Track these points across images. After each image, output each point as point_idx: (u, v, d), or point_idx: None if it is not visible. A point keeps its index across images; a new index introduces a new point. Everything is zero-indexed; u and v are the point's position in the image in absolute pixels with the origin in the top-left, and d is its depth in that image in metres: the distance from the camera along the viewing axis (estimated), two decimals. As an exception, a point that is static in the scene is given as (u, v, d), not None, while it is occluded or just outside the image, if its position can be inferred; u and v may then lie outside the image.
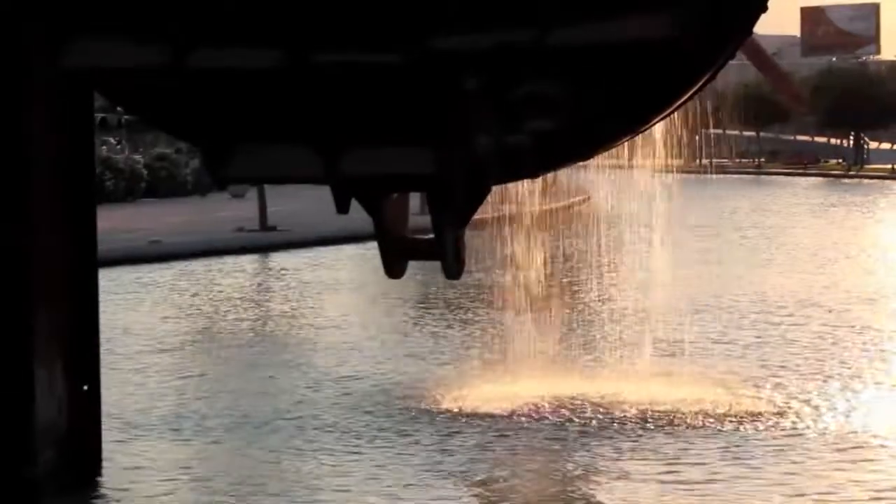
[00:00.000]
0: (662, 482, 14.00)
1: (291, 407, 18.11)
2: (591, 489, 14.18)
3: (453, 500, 13.72)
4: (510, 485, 14.21)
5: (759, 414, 17.08)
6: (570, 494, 14.01)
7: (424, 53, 10.18)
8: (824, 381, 19.38)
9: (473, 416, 16.94)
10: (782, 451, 15.30)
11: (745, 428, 16.37)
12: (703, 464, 14.67)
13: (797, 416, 17.05)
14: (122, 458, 14.71)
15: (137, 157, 60.25)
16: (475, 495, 13.97)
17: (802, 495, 13.54)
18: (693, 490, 13.68)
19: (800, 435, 16.05)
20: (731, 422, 16.63)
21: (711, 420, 16.66)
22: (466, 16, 10.07)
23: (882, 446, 15.26)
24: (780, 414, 17.18)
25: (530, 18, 9.98)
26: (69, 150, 13.48)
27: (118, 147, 60.57)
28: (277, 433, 16.60)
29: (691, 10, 9.90)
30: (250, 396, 19.07)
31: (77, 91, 13.06)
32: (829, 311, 27.22)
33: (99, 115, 33.28)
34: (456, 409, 17.30)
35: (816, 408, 17.55)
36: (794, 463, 14.77)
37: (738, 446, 15.39)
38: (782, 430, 16.34)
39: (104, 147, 55.68)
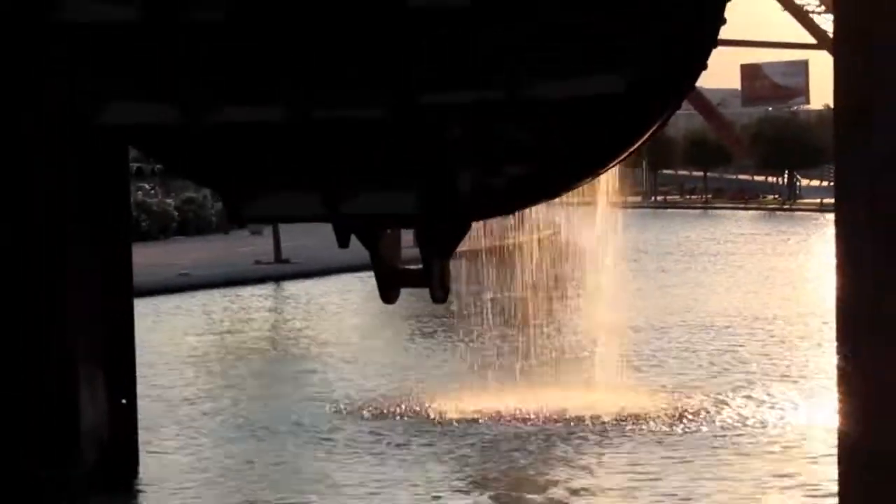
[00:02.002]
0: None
1: (300, 413, 18.05)
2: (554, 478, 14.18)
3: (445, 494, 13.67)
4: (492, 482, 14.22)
5: (709, 415, 17.12)
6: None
7: (413, 108, 10.14)
8: (771, 384, 19.40)
9: (455, 421, 16.93)
10: (716, 449, 15.36)
11: (692, 427, 16.40)
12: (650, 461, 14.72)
13: (737, 416, 17.06)
14: (154, 460, 14.63)
15: (169, 200, 60.28)
16: (456, 490, 13.91)
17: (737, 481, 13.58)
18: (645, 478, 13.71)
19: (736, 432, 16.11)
20: (680, 423, 16.66)
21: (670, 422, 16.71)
22: (451, 75, 10.04)
23: (806, 442, 15.21)
24: (720, 414, 17.27)
25: (503, 78, 9.96)
26: (108, 195, 13.46)
27: (152, 192, 60.57)
28: (289, 436, 16.58)
29: (641, 70, 9.87)
30: (264, 404, 19.10)
31: (114, 145, 13.02)
32: (769, 324, 27.21)
33: (135, 165, 33.28)
34: (440, 416, 17.27)
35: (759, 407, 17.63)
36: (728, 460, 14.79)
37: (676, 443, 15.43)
38: (721, 428, 16.37)
39: (140, 192, 55.71)
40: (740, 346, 24.59)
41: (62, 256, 12.90)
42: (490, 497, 13.69)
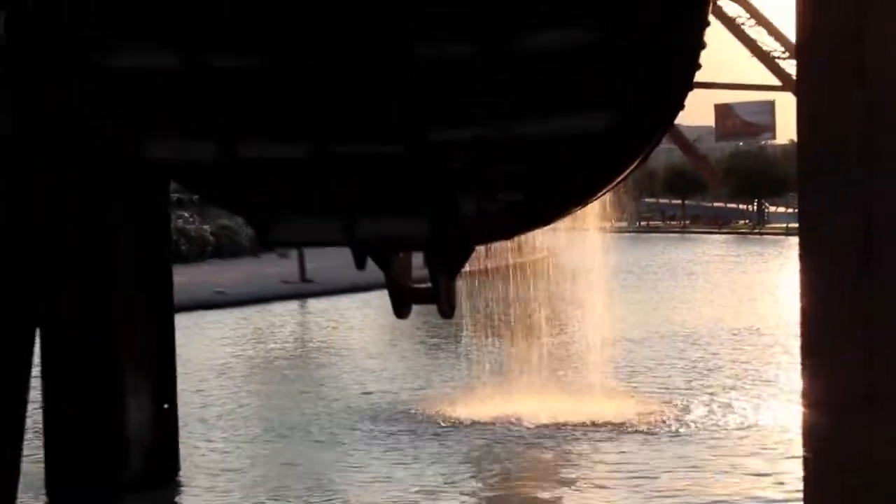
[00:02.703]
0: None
1: (321, 415, 18.09)
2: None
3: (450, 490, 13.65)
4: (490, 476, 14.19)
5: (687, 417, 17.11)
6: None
7: (422, 143, 10.16)
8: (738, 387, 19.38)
9: (460, 424, 16.92)
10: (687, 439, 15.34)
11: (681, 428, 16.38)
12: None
13: (716, 417, 17.03)
14: (193, 460, 14.63)
15: (205, 226, 60.35)
16: (460, 485, 13.89)
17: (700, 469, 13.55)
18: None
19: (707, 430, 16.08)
20: (664, 424, 16.63)
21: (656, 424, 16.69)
22: (454, 115, 10.05)
23: (778, 439, 15.13)
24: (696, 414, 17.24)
25: (501, 117, 9.97)
26: (151, 223, 13.49)
27: (190, 219, 60.63)
28: (310, 435, 16.58)
29: (626, 110, 9.88)
30: (290, 407, 19.07)
31: (156, 178, 13.05)
32: (743, 335, 27.18)
33: (175, 196, 33.34)
34: (447, 419, 17.26)
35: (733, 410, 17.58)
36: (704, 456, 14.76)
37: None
38: (700, 427, 16.34)
39: (179, 219, 55.76)
40: (717, 354, 24.57)
41: (111, 279, 12.92)
42: (492, 490, 13.69)
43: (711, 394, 19.25)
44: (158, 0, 9.77)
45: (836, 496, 9.31)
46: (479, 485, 13.85)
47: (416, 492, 13.38)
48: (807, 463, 9.41)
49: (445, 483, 13.77)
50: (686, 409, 17.71)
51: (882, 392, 9.33)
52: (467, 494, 13.41)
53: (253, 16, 9.68)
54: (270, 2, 9.57)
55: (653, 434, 15.92)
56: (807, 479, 9.43)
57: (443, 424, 16.89)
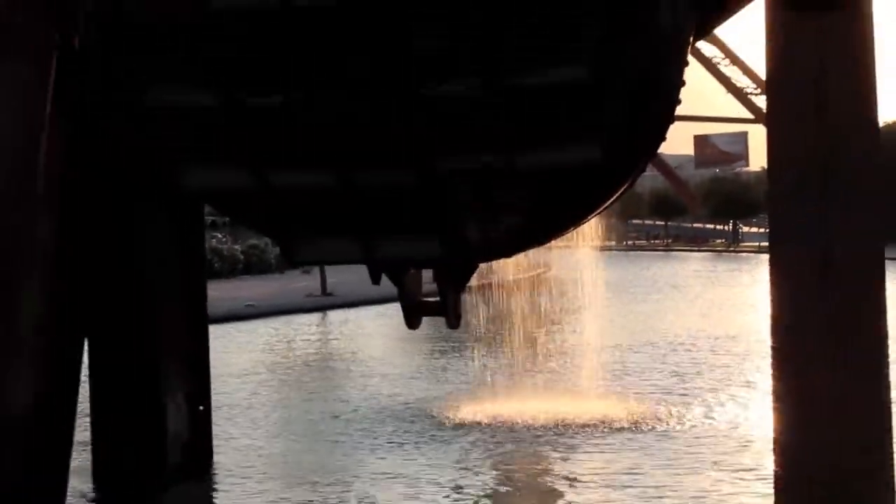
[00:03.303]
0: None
1: (339, 415, 18.09)
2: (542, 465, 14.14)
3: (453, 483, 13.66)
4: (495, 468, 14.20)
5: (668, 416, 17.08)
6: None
7: (433, 173, 10.19)
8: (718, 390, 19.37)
9: (467, 423, 16.90)
10: (675, 437, 15.29)
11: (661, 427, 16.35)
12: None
13: (699, 415, 17.01)
14: (224, 455, 14.65)
15: (236, 246, 60.41)
16: (464, 479, 13.88)
17: (687, 465, 13.47)
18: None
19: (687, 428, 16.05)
20: (653, 421, 16.64)
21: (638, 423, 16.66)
22: (460, 147, 10.08)
23: (755, 436, 15.02)
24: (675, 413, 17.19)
25: (503, 149, 10.01)
26: (188, 243, 13.55)
27: (223, 240, 60.69)
28: (329, 433, 16.59)
29: (614, 141, 9.91)
30: (312, 407, 19.09)
31: (193, 203, 13.10)
32: (722, 342, 27.10)
33: (209, 218, 33.44)
34: (453, 419, 17.24)
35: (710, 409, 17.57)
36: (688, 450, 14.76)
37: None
38: (684, 425, 16.32)
39: (213, 240, 55.79)
40: (699, 359, 24.51)
41: (154, 293, 12.97)
42: (493, 484, 13.67)
43: (696, 395, 19.20)
44: (197, 46, 9.79)
45: (803, 484, 9.34)
46: (481, 479, 13.78)
47: (424, 485, 13.37)
48: (777, 477, 9.43)
49: (449, 478, 13.74)
50: (673, 409, 17.64)
51: (851, 399, 9.37)
52: (469, 487, 13.36)
53: (282, 60, 9.72)
54: (298, 49, 9.60)
55: (642, 432, 15.87)
56: (777, 493, 9.43)
57: (449, 424, 16.87)
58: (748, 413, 17.11)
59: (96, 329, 12.57)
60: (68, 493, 11.62)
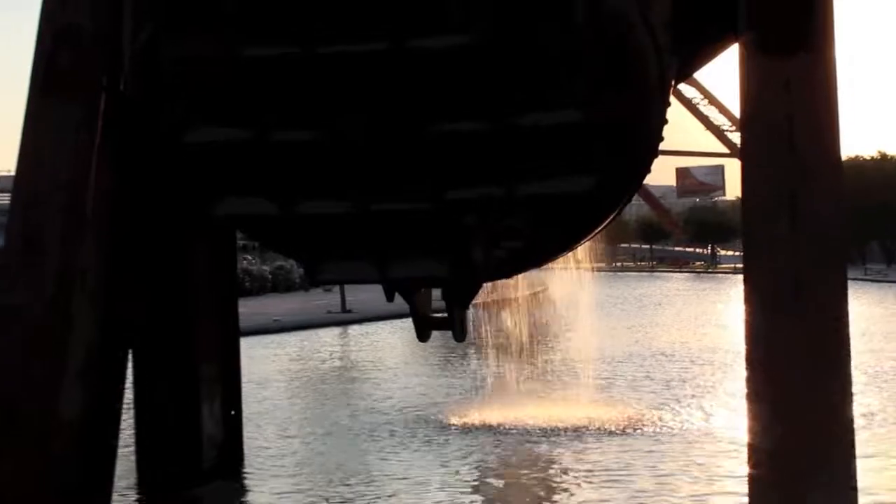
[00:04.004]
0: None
1: (355, 419, 18.08)
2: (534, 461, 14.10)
3: (464, 479, 13.61)
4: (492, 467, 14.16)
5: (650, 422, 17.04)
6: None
7: (441, 202, 10.19)
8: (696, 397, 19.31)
9: (471, 426, 16.88)
10: (662, 441, 15.23)
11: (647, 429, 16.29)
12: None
13: (683, 420, 16.97)
14: (254, 454, 14.63)
15: (265, 267, 60.53)
16: (469, 474, 13.85)
17: (675, 468, 13.40)
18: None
19: (676, 433, 15.98)
20: (641, 425, 16.60)
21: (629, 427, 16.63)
22: (466, 178, 10.08)
23: (735, 438, 15.00)
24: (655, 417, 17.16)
25: (505, 180, 10.01)
26: (222, 265, 13.57)
27: (253, 261, 60.82)
28: (347, 435, 16.57)
29: (604, 174, 9.90)
30: (333, 412, 19.07)
31: (227, 229, 13.12)
32: (703, 353, 27.10)
33: (240, 242, 33.58)
34: (457, 423, 17.22)
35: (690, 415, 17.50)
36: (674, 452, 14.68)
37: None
38: (671, 428, 16.27)
39: (244, 262, 55.94)
40: (683, 369, 24.51)
41: (192, 309, 12.99)
42: (492, 483, 13.65)
43: (681, 402, 19.17)
44: (230, 89, 9.81)
45: (772, 483, 9.30)
46: (482, 478, 13.76)
47: (432, 482, 13.38)
48: (750, 477, 9.38)
49: (454, 475, 13.75)
50: (660, 415, 17.60)
51: (817, 406, 9.34)
52: (471, 485, 13.36)
53: (307, 100, 9.73)
54: (321, 91, 9.61)
55: (631, 437, 15.78)
56: (750, 493, 9.37)
57: (453, 428, 16.87)
58: (727, 418, 17.03)
59: (141, 342, 12.60)
60: (115, 490, 11.64)
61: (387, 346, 32.41)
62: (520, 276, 15.64)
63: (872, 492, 11.49)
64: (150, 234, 12.21)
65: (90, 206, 10.81)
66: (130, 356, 12.14)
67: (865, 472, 9.41)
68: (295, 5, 9.09)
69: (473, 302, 12.52)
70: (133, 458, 13.14)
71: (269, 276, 59.88)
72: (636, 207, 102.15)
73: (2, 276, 11.33)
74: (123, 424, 11.83)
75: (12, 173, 11.82)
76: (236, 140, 10.04)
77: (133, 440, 13.17)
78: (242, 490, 13.27)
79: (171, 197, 12.05)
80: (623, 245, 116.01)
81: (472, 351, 23.48)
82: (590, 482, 13.14)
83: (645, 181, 11.46)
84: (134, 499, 12.68)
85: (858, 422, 9.37)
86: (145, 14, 9.77)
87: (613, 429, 16.32)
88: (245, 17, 9.24)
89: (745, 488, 9.18)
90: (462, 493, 12.88)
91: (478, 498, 12.86)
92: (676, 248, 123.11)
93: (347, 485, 13.34)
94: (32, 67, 11.19)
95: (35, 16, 11.25)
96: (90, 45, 11.02)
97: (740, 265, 10.18)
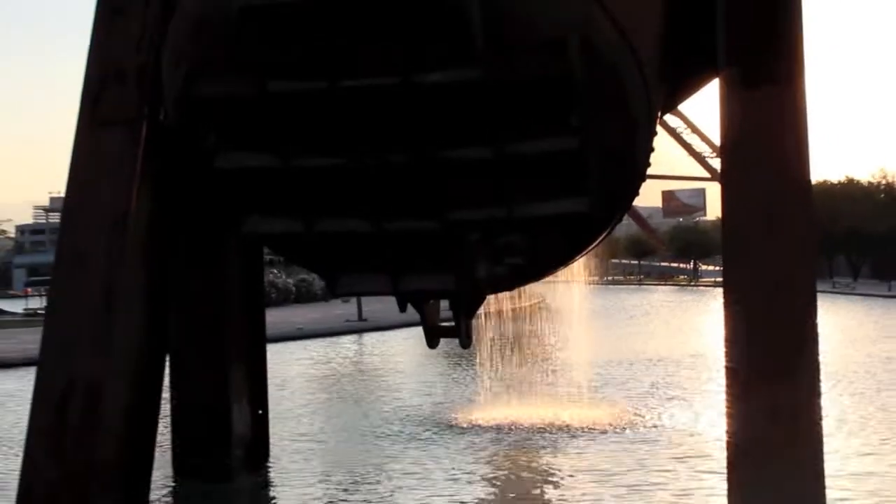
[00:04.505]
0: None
1: (370, 417, 18.03)
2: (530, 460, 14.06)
3: (472, 474, 13.60)
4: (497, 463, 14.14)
5: (640, 422, 16.99)
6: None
7: (448, 221, 10.20)
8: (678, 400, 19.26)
9: (474, 425, 16.86)
10: (652, 440, 15.20)
11: (633, 429, 16.23)
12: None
13: (669, 419, 16.92)
14: (278, 452, 14.62)
15: (289, 280, 60.56)
16: (472, 471, 13.83)
17: (664, 465, 13.36)
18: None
19: (655, 428, 15.95)
20: (629, 424, 16.55)
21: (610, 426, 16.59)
22: (471, 200, 10.09)
23: (693, 442, 14.98)
24: (642, 419, 17.07)
25: (506, 202, 10.03)
26: (250, 278, 13.59)
27: (278, 275, 60.81)
28: (361, 433, 16.53)
29: (597, 196, 9.92)
30: (350, 413, 19.01)
31: (255, 245, 13.14)
32: (688, 359, 27.03)
33: (267, 257, 33.59)
34: (462, 422, 17.19)
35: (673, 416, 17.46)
36: (658, 450, 14.64)
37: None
38: (657, 427, 16.24)
39: (270, 275, 55.94)
40: (671, 373, 24.45)
41: (224, 317, 13.01)
42: (493, 478, 13.62)
43: (671, 403, 19.09)
44: (257, 118, 9.84)
45: (750, 477, 9.28)
46: (483, 473, 13.71)
47: (438, 473, 13.36)
48: (729, 471, 9.36)
49: (457, 469, 13.72)
50: (650, 416, 17.54)
51: (790, 403, 9.34)
52: (471, 480, 13.30)
53: (329, 129, 9.76)
54: (342, 121, 9.64)
55: (623, 436, 15.72)
56: (730, 485, 9.34)
57: (458, 427, 16.82)
58: (711, 416, 16.98)
59: (178, 347, 12.63)
60: (153, 482, 11.66)
61: (399, 352, 32.38)
62: (519, 289, 15.64)
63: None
64: (187, 250, 12.26)
65: (132, 225, 10.85)
66: (168, 359, 12.20)
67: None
68: (314, 46, 9.12)
69: (478, 312, 12.54)
70: (169, 450, 13.12)
71: (293, 288, 59.91)
72: (626, 227, 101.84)
73: (52, 289, 11.39)
74: (160, 420, 11.85)
75: (62, 195, 11.85)
76: (263, 165, 10.08)
77: (169, 434, 13.15)
78: (268, 481, 13.25)
79: (205, 217, 12.10)
80: (614, 260, 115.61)
81: (477, 357, 23.44)
82: (582, 476, 13.12)
83: (634, 203, 11.47)
84: (170, 488, 12.68)
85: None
86: (182, 53, 9.81)
87: (605, 428, 16.28)
88: (269, 55, 9.28)
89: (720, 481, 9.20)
90: (461, 486, 12.85)
91: (479, 491, 12.81)
92: (662, 264, 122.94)
93: (363, 476, 13.36)
94: (81, 100, 11.26)
95: (84, 54, 11.34)
96: (133, 81, 11.09)
97: (720, 279, 10.19)
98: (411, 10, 8.70)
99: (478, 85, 9.00)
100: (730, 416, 9.46)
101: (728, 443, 9.43)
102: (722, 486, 9.58)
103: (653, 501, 11.65)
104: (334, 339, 37.71)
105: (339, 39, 9.01)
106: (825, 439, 9.29)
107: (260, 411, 13.51)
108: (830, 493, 9.20)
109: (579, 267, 22.61)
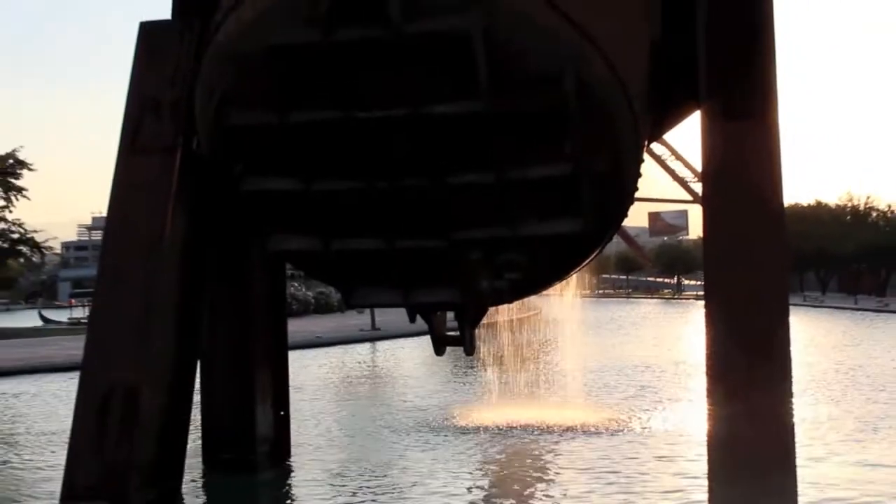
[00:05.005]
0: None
1: (382, 418, 17.96)
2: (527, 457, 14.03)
3: (473, 472, 13.54)
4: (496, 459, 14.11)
5: (621, 422, 16.94)
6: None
7: (453, 240, 10.22)
8: (658, 403, 19.20)
9: (476, 425, 16.78)
10: (642, 439, 15.13)
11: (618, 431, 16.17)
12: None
13: (653, 420, 16.85)
14: (298, 448, 14.58)
15: (309, 292, 60.51)
16: (474, 467, 13.79)
17: (653, 463, 13.30)
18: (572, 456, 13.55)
19: (634, 431, 15.89)
20: (616, 424, 16.48)
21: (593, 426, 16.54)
22: (474, 222, 10.11)
23: (677, 442, 14.85)
24: (623, 420, 16.98)
25: (507, 222, 10.05)
26: (273, 291, 13.60)
27: (299, 287, 60.81)
28: (374, 432, 16.47)
29: (590, 217, 9.93)
30: (360, 412, 18.99)
31: (278, 261, 13.15)
32: (671, 366, 26.93)
33: (289, 272, 33.65)
34: (464, 422, 17.14)
35: (650, 418, 17.38)
36: (640, 450, 14.58)
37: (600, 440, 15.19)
38: (642, 427, 16.17)
39: (291, 287, 55.95)
40: (657, 377, 24.36)
41: (250, 326, 13.01)
42: (493, 472, 13.58)
43: (659, 405, 19.00)
44: (280, 146, 9.86)
45: (728, 476, 9.25)
46: (483, 468, 13.66)
47: (441, 469, 13.32)
48: (710, 466, 9.32)
49: (460, 465, 13.68)
50: (640, 417, 17.44)
51: (765, 404, 9.32)
52: (472, 473, 13.27)
53: (345, 156, 9.79)
54: (357, 148, 9.67)
55: (614, 435, 15.61)
56: (710, 480, 9.29)
57: (460, 427, 16.77)
58: (696, 418, 16.90)
59: (208, 353, 12.64)
60: (185, 476, 11.65)
61: (409, 359, 32.32)
62: (518, 302, 15.63)
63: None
64: (217, 266, 12.28)
65: (167, 243, 10.90)
66: (199, 365, 12.20)
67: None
68: (332, 81, 9.16)
69: (481, 323, 12.53)
70: (200, 446, 13.11)
71: (312, 300, 59.84)
72: (615, 244, 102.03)
73: (95, 302, 11.42)
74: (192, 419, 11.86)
75: (104, 215, 11.89)
76: (286, 189, 10.11)
77: (200, 432, 13.14)
78: (289, 475, 13.22)
79: (233, 235, 12.12)
80: (604, 275, 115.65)
81: (479, 363, 23.41)
82: (577, 472, 13.06)
83: (623, 223, 11.48)
84: (200, 481, 12.67)
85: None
86: (214, 87, 9.85)
87: (597, 428, 16.22)
88: (291, 89, 9.33)
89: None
90: (463, 480, 12.80)
91: (478, 494, 12.76)
92: (648, 279, 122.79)
93: (375, 469, 13.32)
94: (121, 130, 11.35)
95: (124, 89, 11.43)
96: (168, 113, 11.17)
97: (701, 293, 10.18)
98: (420, 49, 8.74)
99: (481, 116, 9.03)
100: (710, 417, 9.45)
101: (708, 442, 9.41)
102: (704, 481, 9.55)
103: (643, 496, 11.61)
104: (350, 346, 37.64)
105: (355, 75, 9.06)
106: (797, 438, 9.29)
107: (282, 412, 13.50)
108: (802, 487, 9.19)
109: (573, 281, 22.60)
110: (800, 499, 9.05)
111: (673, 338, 39.75)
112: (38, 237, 31.84)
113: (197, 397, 12.14)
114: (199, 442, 13.16)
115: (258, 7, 9.04)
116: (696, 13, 10.27)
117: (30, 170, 30.65)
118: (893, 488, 11.77)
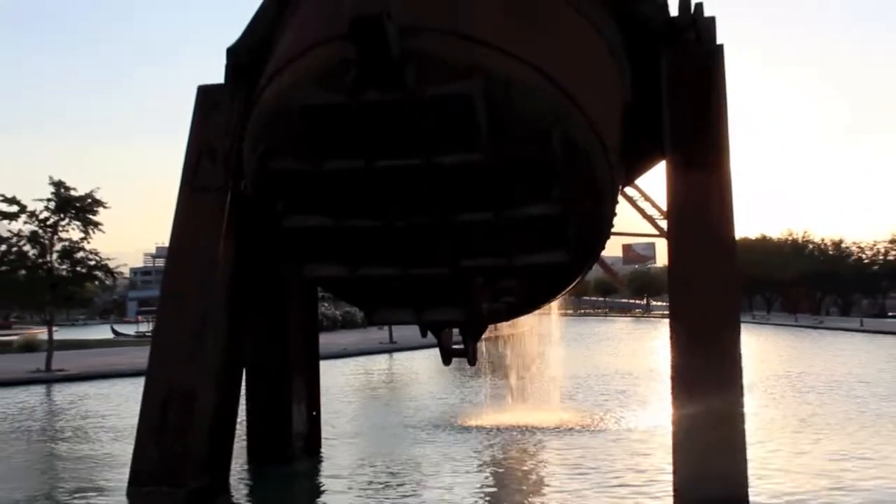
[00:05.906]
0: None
1: (399, 418, 17.82)
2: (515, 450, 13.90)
3: (477, 468, 13.45)
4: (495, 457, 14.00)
5: (601, 423, 16.82)
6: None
7: (459, 267, 10.21)
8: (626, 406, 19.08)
9: (475, 425, 16.65)
10: (621, 438, 15.03)
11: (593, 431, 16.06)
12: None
13: (627, 422, 16.73)
14: (326, 445, 14.51)
15: (337, 311, 60.43)
16: (474, 463, 13.68)
17: (632, 459, 13.19)
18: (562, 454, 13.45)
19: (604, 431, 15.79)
20: (592, 426, 16.35)
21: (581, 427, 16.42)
22: (476, 252, 10.10)
23: (650, 440, 14.64)
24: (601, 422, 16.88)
25: (504, 254, 10.05)
26: (307, 309, 13.58)
27: (328, 307, 60.71)
28: (390, 430, 16.35)
29: (574, 250, 9.92)
30: (381, 414, 18.81)
31: (311, 284, 13.15)
32: (644, 374, 26.77)
33: (320, 294, 33.59)
34: (466, 422, 16.96)
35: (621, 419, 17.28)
36: (614, 449, 14.46)
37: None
38: (616, 429, 16.06)
39: (322, 307, 55.76)
40: (632, 384, 24.20)
41: (288, 338, 12.99)
42: (489, 466, 13.48)
43: (635, 407, 18.82)
44: (315, 189, 9.89)
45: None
46: (481, 463, 13.53)
47: (446, 466, 13.21)
48: (674, 464, 9.25)
49: (461, 460, 13.56)
50: (619, 418, 17.23)
51: (721, 412, 9.27)
52: (469, 468, 13.10)
53: (369, 198, 9.81)
54: (378, 191, 9.69)
55: (595, 435, 15.39)
56: (674, 475, 9.19)
57: (463, 425, 16.68)
58: (663, 420, 16.77)
59: (253, 361, 12.60)
60: (233, 466, 11.59)
61: (421, 368, 32.19)
62: (513, 320, 15.59)
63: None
64: (261, 288, 12.29)
65: (220, 268, 10.92)
66: (245, 370, 12.18)
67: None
68: (355, 135, 9.23)
69: (482, 338, 12.49)
70: (245, 441, 13.06)
71: (340, 318, 59.76)
72: (594, 271, 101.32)
73: (158, 317, 11.43)
74: (239, 417, 11.82)
75: (166, 245, 11.93)
76: (318, 225, 10.13)
77: (245, 429, 13.10)
78: (319, 466, 13.14)
79: (274, 262, 12.12)
80: (585, 297, 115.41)
81: (481, 372, 23.31)
82: (560, 466, 12.94)
83: (601, 254, 11.47)
84: (246, 470, 12.61)
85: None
86: (258, 138, 9.92)
87: (579, 428, 16.08)
88: (322, 142, 9.39)
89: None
90: (464, 474, 12.70)
91: (479, 482, 12.66)
92: (622, 300, 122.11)
93: (393, 461, 13.21)
94: (182, 172, 11.42)
95: (185, 137, 11.51)
96: (221, 159, 11.24)
97: (667, 312, 10.18)
98: (431, 110, 8.80)
99: (482, 165, 9.08)
100: (674, 416, 9.41)
101: (673, 436, 9.38)
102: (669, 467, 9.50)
103: (622, 483, 11.51)
104: (371, 357, 37.52)
105: (376, 131, 9.12)
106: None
107: (314, 412, 13.45)
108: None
109: (559, 303, 22.52)
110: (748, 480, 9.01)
111: (645, 350, 39.51)
112: (111, 264, 31.80)
113: (243, 400, 12.12)
114: (245, 437, 13.12)
115: (296, 74, 9.14)
116: (661, 80, 10.34)
117: (104, 207, 30.62)
118: (819, 470, 11.94)
